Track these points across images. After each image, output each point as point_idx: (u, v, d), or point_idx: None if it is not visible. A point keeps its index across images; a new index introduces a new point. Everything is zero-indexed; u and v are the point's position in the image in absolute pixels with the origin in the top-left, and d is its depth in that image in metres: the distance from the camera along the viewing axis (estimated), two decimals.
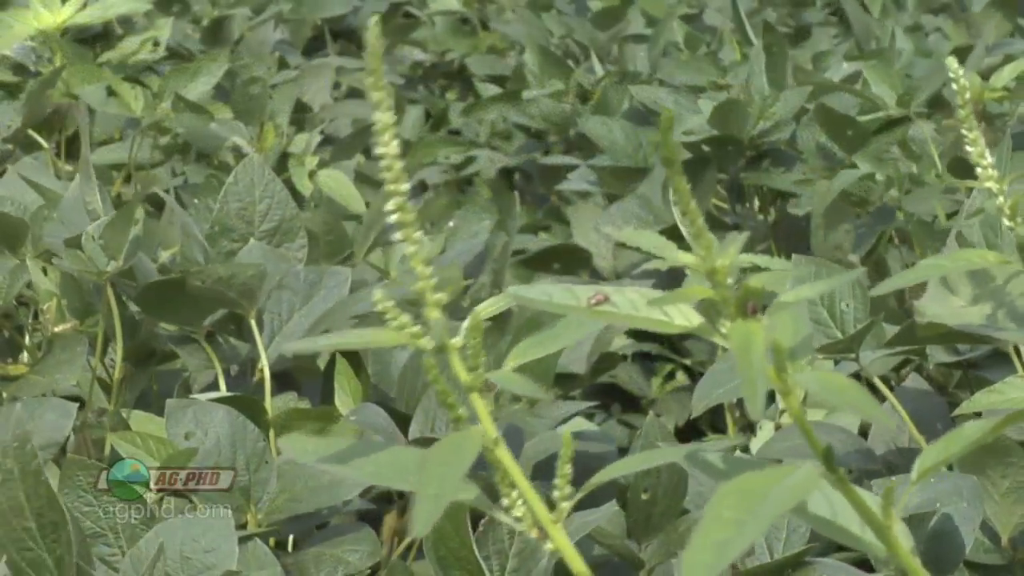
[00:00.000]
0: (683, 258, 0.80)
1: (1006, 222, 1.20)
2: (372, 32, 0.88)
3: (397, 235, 0.89)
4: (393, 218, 0.89)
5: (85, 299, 1.70)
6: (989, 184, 1.19)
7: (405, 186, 0.89)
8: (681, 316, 0.82)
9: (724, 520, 0.70)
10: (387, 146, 0.89)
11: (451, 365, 0.90)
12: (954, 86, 1.16)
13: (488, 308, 0.94)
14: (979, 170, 1.18)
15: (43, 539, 1.25)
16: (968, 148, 1.17)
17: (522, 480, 0.91)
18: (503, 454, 0.90)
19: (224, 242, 1.76)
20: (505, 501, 0.92)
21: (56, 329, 1.66)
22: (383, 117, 0.89)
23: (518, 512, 0.92)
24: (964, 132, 1.17)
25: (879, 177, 2.20)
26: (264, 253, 1.70)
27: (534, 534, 0.92)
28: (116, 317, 1.65)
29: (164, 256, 1.80)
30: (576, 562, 0.89)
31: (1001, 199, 1.20)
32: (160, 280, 1.64)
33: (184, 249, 1.78)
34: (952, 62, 1.16)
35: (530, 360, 0.92)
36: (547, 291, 0.86)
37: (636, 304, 0.83)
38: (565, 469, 0.94)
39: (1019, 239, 1.18)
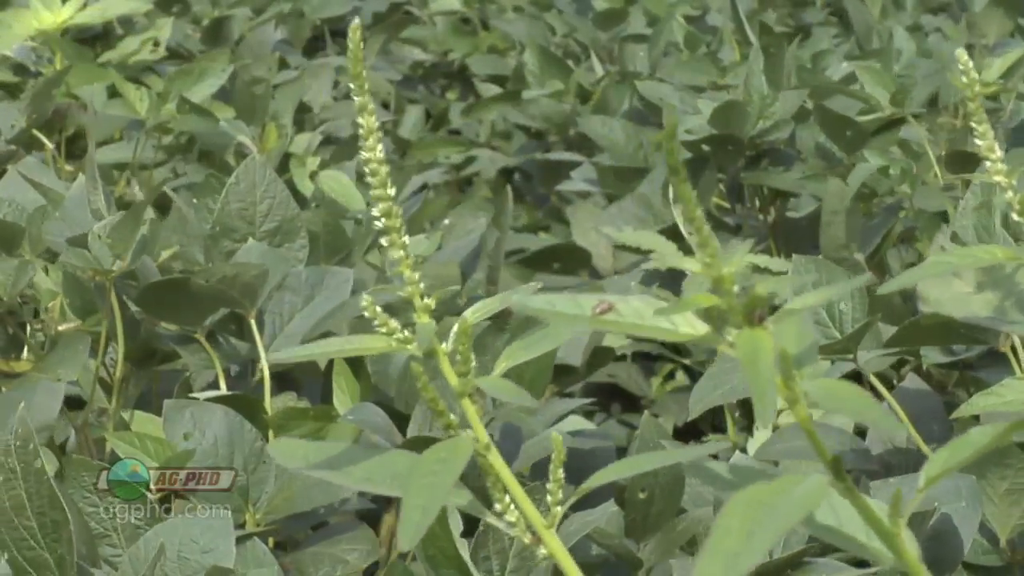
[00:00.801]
0: (687, 263, 0.78)
1: (1015, 216, 1.19)
2: (353, 36, 0.87)
3: (383, 240, 0.88)
4: (380, 224, 0.88)
5: (86, 298, 1.70)
6: (998, 178, 1.17)
7: (391, 191, 0.88)
8: (687, 324, 0.80)
9: (733, 530, 0.69)
10: (372, 151, 0.88)
11: (440, 370, 0.89)
12: (964, 79, 1.15)
13: (478, 312, 0.93)
14: (988, 164, 1.17)
15: (44, 538, 1.25)
16: (978, 141, 1.16)
17: (515, 485, 0.90)
18: (495, 459, 0.89)
19: (225, 242, 1.76)
20: (498, 506, 0.92)
21: (60, 328, 1.66)
22: (367, 121, 0.88)
23: (511, 517, 0.91)
24: (974, 125, 1.15)
25: (892, 172, 2.19)
26: (262, 253, 1.70)
27: (527, 539, 0.91)
28: (118, 317, 1.65)
29: (164, 256, 1.80)
30: (570, 567, 0.88)
31: (1010, 193, 1.18)
32: (161, 280, 1.64)
33: (184, 249, 1.78)
34: (962, 54, 1.15)
35: (525, 360, 0.92)
36: (551, 300, 0.83)
37: (641, 313, 0.81)
38: (558, 473, 0.93)
39: None
